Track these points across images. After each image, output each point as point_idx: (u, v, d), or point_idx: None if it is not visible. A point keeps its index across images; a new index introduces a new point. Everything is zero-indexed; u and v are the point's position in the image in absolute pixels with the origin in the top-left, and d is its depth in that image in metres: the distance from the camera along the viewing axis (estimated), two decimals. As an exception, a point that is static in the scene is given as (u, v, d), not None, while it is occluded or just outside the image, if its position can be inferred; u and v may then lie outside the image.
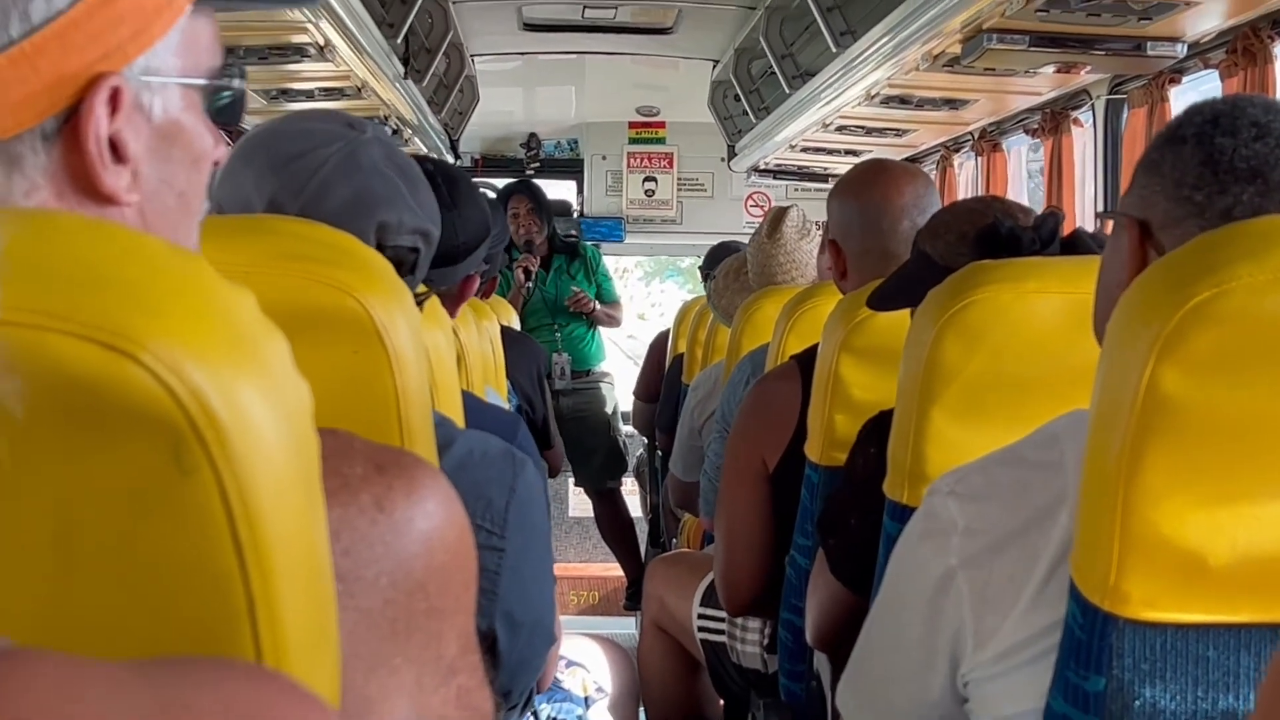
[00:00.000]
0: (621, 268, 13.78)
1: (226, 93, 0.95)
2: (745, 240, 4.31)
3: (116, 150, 0.86)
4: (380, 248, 1.47)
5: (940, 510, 1.38)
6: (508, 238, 3.89)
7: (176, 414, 0.66)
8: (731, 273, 4.10)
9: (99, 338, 0.65)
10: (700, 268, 5.91)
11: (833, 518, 2.09)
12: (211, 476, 0.68)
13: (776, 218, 3.69)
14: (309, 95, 4.47)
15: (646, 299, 13.93)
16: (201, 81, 0.92)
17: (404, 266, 1.51)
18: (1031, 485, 1.30)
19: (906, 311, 1.89)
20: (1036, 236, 1.83)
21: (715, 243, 5.75)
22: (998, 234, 1.85)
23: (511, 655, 1.53)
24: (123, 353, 0.65)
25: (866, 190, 2.47)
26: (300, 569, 0.73)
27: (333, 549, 0.80)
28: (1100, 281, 1.40)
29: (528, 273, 6.15)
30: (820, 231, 3.53)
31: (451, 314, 2.14)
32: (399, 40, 4.46)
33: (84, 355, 0.65)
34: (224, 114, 0.97)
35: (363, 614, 0.96)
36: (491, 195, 7.37)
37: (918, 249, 2.00)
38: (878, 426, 1.96)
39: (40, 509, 0.68)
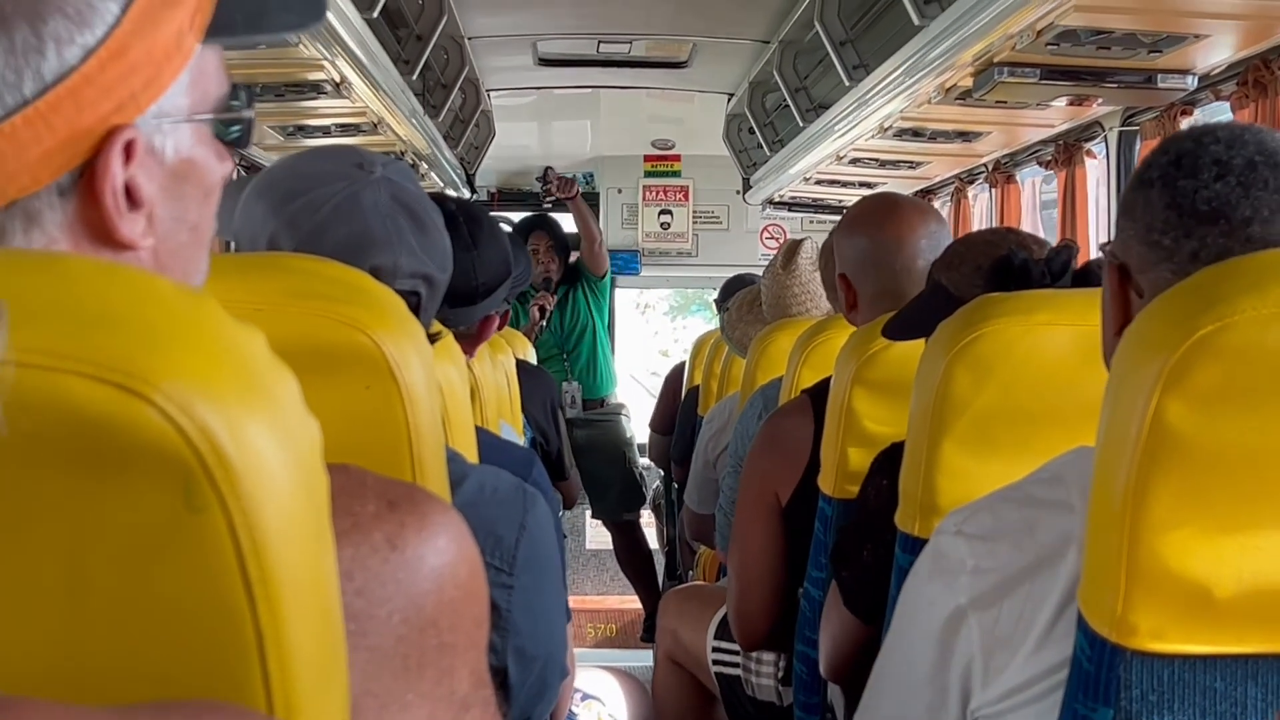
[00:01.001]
0: (645, 302, 13.77)
1: (236, 125, 0.96)
2: (760, 272, 4.32)
3: (131, 196, 0.86)
4: None
5: (949, 549, 1.38)
6: (529, 277, 3.91)
7: (187, 453, 0.67)
8: (745, 304, 4.11)
9: (111, 378, 0.66)
10: (715, 300, 5.93)
11: (845, 550, 2.09)
12: (221, 515, 0.68)
13: (791, 249, 3.70)
14: (325, 131, 4.49)
15: (671, 334, 13.89)
16: (210, 117, 0.92)
17: None
18: (1039, 525, 1.30)
19: (919, 343, 1.90)
20: (1047, 269, 1.84)
21: (731, 275, 5.76)
22: (1011, 265, 1.85)
23: (523, 690, 1.53)
24: (134, 393, 0.66)
25: (876, 224, 2.48)
26: (310, 607, 0.73)
27: (346, 589, 0.81)
28: (1103, 321, 1.41)
29: (543, 311, 6.16)
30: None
31: (469, 354, 2.15)
32: (415, 76, 4.49)
33: (96, 395, 0.66)
34: (235, 142, 0.97)
35: (375, 652, 0.96)
36: (507, 229, 7.39)
37: (933, 279, 2.01)
38: (889, 458, 1.97)
39: (51, 547, 0.69)
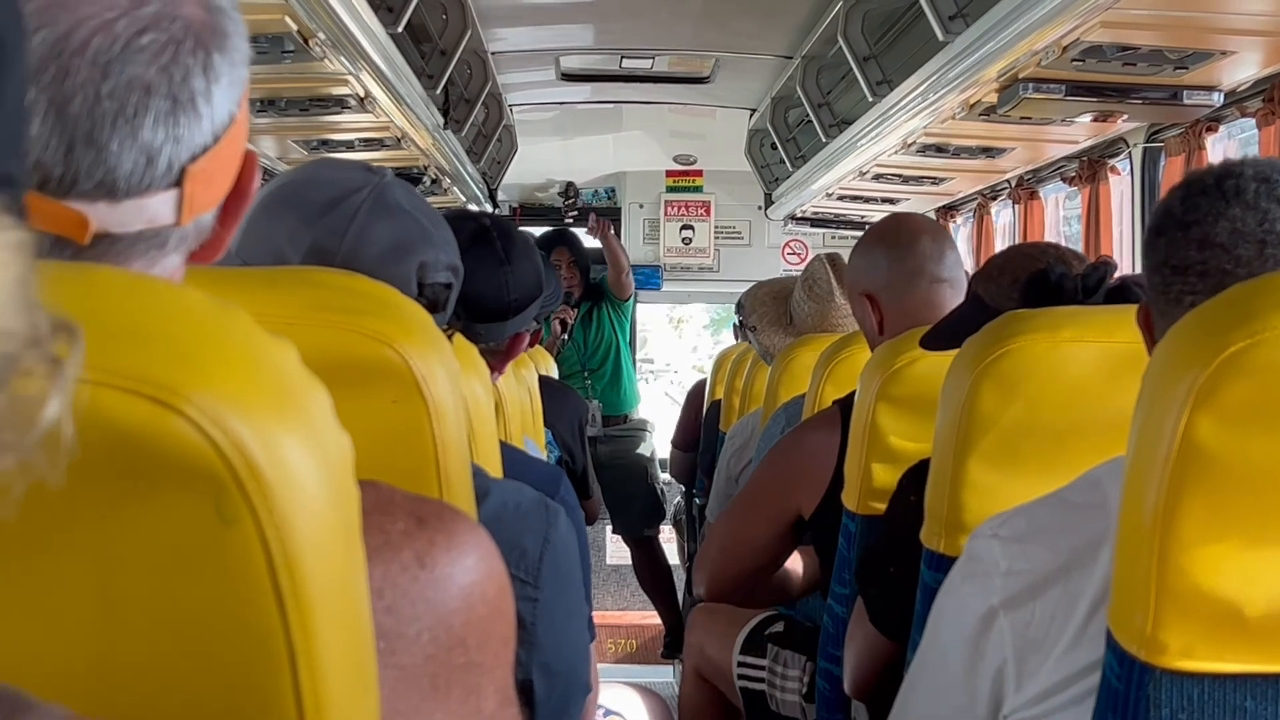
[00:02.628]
0: (679, 317, 13.73)
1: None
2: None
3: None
4: (420, 286, 1.48)
5: (983, 553, 1.38)
6: (559, 298, 3.94)
7: (219, 465, 0.67)
8: (769, 305, 4.06)
9: (144, 391, 0.66)
10: (734, 324, 5.93)
11: (871, 566, 2.08)
12: (253, 527, 0.68)
13: (835, 267, 3.68)
14: (349, 146, 4.51)
15: (709, 351, 13.84)
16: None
17: (439, 304, 1.52)
18: (1073, 525, 1.31)
19: (944, 359, 1.89)
20: (1081, 285, 1.84)
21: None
22: (1047, 280, 1.85)
23: (547, 704, 1.53)
24: (167, 405, 0.66)
25: (895, 241, 2.49)
26: (341, 620, 0.73)
27: (376, 607, 0.81)
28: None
29: (564, 324, 6.18)
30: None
31: (498, 370, 2.14)
32: (438, 91, 4.50)
33: (129, 408, 0.66)
34: None
35: (403, 670, 0.96)
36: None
37: (972, 291, 2.01)
38: (917, 475, 1.96)
39: (84, 558, 0.69)
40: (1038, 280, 1.86)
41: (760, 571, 2.64)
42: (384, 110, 3.90)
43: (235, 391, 0.68)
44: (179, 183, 0.86)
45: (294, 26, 2.91)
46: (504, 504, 1.52)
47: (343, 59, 3.25)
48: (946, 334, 2.01)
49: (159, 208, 0.86)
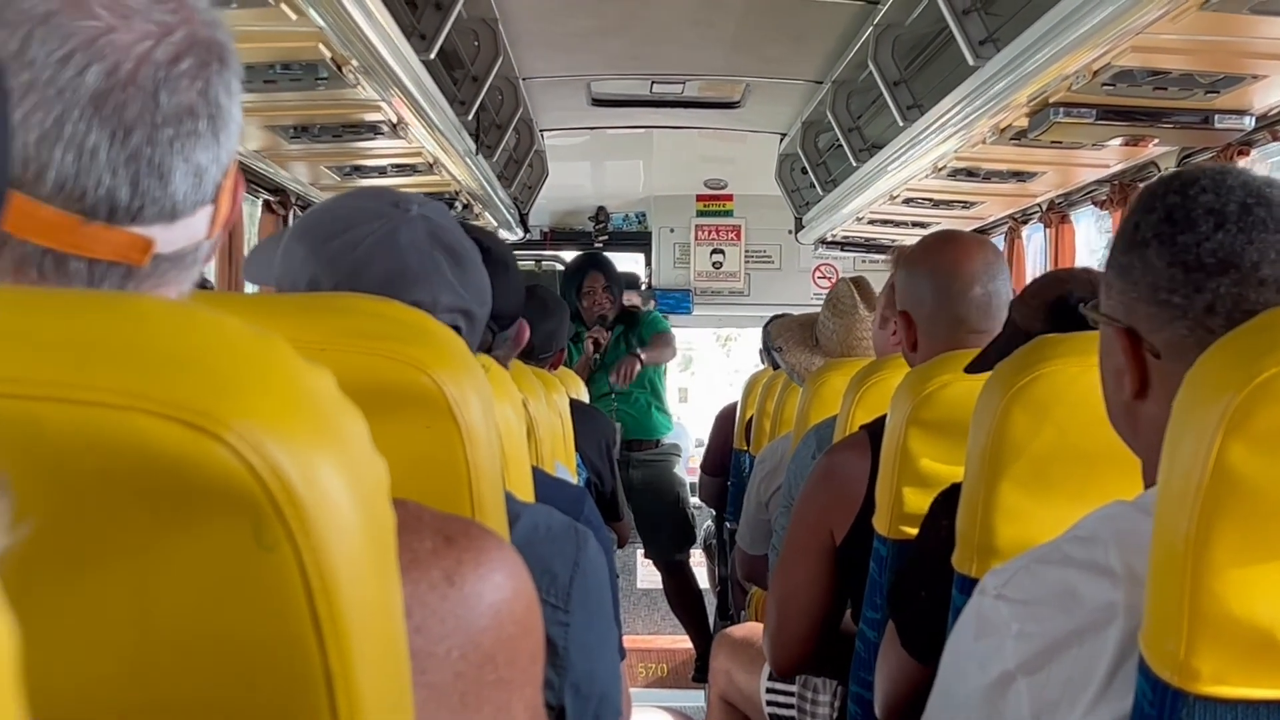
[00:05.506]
0: (727, 335, 13.71)
1: None
2: (809, 311, 4.32)
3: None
4: None
5: (991, 613, 1.36)
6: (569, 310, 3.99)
7: (257, 491, 0.68)
8: (794, 331, 4.07)
9: (183, 417, 0.67)
10: (760, 349, 5.93)
11: (903, 591, 2.08)
12: (291, 553, 0.69)
13: (861, 288, 3.69)
14: (381, 171, 4.54)
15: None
16: None
17: None
18: (1080, 589, 1.28)
19: (976, 383, 1.89)
20: None
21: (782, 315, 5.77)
22: (1066, 305, 1.85)
23: (579, 728, 1.53)
24: (206, 432, 0.67)
25: (936, 257, 2.48)
26: (378, 645, 0.74)
27: (405, 626, 0.81)
28: (1105, 383, 1.41)
29: (597, 344, 6.19)
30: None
31: (505, 362, 2.17)
32: (470, 117, 4.53)
33: (169, 435, 0.67)
34: None
35: (433, 689, 0.97)
36: (558, 267, 7.45)
37: (1010, 315, 2.02)
38: (949, 499, 1.96)
39: (122, 584, 0.70)
40: (1060, 304, 1.86)
41: (821, 618, 2.58)
42: (416, 136, 3.93)
43: (274, 418, 0.69)
44: (215, 198, 0.90)
45: (328, 54, 2.93)
46: (534, 528, 1.53)
47: (376, 85, 3.27)
48: (988, 359, 2.02)
49: (199, 224, 0.89)
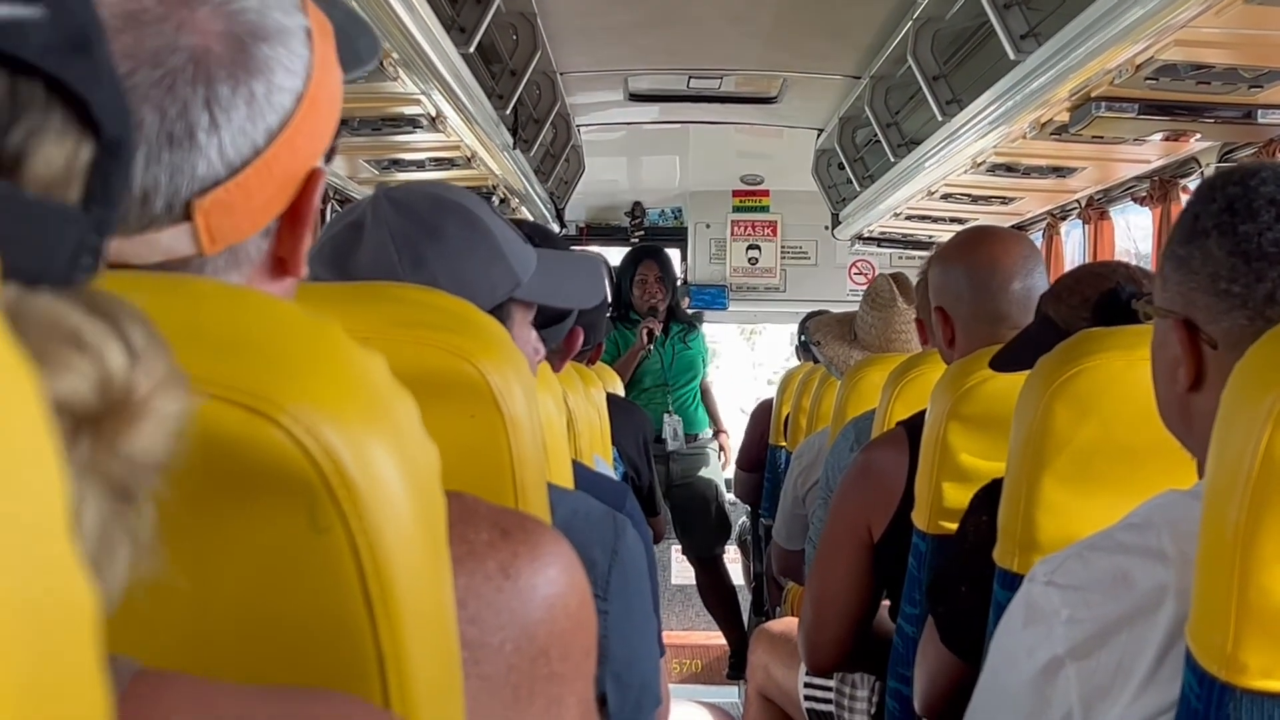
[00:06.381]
0: (751, 328, 13.67)
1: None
2: (846, 308, 4.31)
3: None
4: None
5: (1041, 600, 1.36)
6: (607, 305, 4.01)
7: (312, 474, 0.68)
8: (832, 326, 4.07)
9: (241, 400, 0.67)
10: (796, 346, 5.93)
11: (943, 585, 2.07)
12: (344, 535, 0.69)
13: (900, 283, 3.69)
14: (420, 165, 4.55)
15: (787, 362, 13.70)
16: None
17: None
18: (1132, 573, 1.28)
19: (1016, 378, 1.88)
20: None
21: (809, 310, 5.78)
22: (1117, 300, 1.84)
23: (620, 716, 1.53)
24: (263, 414, 0.67)
25: (973, 253, 2.47)
26: (429, 628, 0.74)
27: (460, 616, 0.82)
28: (1157, 378, 1.40)
29: (651, 335, 6.23)
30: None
31: (557, 368, 2.15)
32: (508, 111, 4.53)
33: (225, 417, 0.67)
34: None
35: (487, 681, 0.97)
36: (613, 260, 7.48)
37: (1041, 311, 2.00)
38: (990, 494, 1.95)
39: (178, 565, 0.70)
40: (1107, 300, 1.85)
41: (858, 619, 2.58)
42: (455, 130, 3.94)
43: (328, 401, 0.69)
44: (188, 216, 0.84)
45: (368, 46, 2.94)
46: (573, 513, 1.53)
47: (416, 78, 3.28)
48: (1015, 355, 2.01)
49: (172, 241, 0.85)
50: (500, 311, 1.49)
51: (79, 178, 0.53)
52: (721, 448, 6.76)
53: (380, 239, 1.47)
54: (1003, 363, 2.04)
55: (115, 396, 0.47)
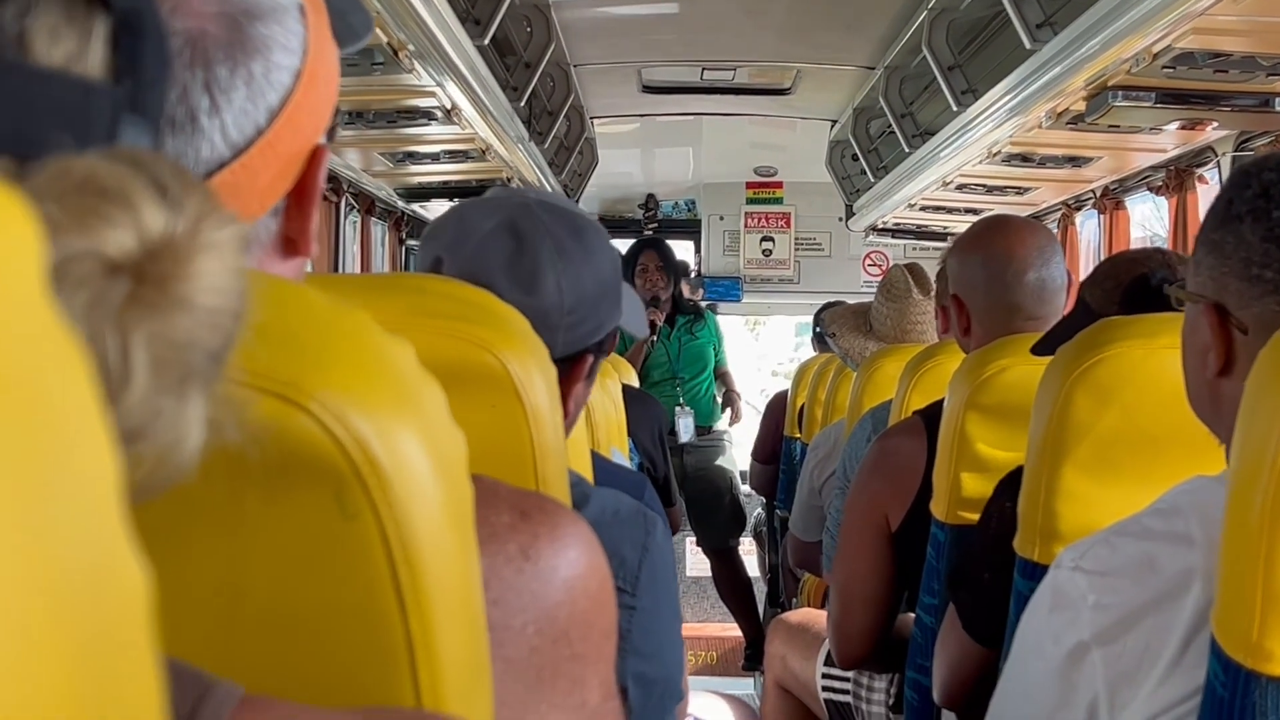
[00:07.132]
0: (755, 319, 13.65)
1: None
2: (860, 299, 4.30)
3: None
4: None
5: (1067, 585, 1.36)
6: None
7: (341, 461, 0.69)
8: (848, 317, 4.06)
9: (271, 388, 0.67)
10: (812, 339, 5.92)
11: (964, 573, 2.07)
12: (373, 521, 0.70)
13: (915, 274, 3.68)
14: (434, 158, 4.56)
15: (793, 355, 13.67)
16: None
17: None
18: (1159, 558, 1.28)
19: (1035, 368, 1.88)
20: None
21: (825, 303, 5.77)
22: (1148, 285, 1.84)
23: (643, 712, 1.53)
24: (292, 402, 0.67)
25: (990, 243, 2.46)
26: (457, 614, 0.74)
27: (483, 597, 0.82)
28: (1187, 363, 1.40)
29: (653, 325, 6.22)
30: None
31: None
32: (522, 103, 4.53)
33: (255, 405, 0.67)
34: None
35: (509, 663, 0.97)
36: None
37: (1081, 297, 2.01)
38: (1013, 482, 1.95)
39: (210, 552, 0.70)
40: (1139, 285, 1.85)
41: (885, 606, 2.57)
42: (469, 122, 3.94)
43: (357, 389, 0.69)
44: None
45: (384, 38, 2.94)
46: (603, 510, 1.53)
47: (430, 70, 3.28)
48: (1054, 340, 2.01)
49: None
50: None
51: (99, 52, 0.52)
52: (733, 407, 6.76)
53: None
54: (1043, 350, 2.04)
55: (160, 242, 0.46)
